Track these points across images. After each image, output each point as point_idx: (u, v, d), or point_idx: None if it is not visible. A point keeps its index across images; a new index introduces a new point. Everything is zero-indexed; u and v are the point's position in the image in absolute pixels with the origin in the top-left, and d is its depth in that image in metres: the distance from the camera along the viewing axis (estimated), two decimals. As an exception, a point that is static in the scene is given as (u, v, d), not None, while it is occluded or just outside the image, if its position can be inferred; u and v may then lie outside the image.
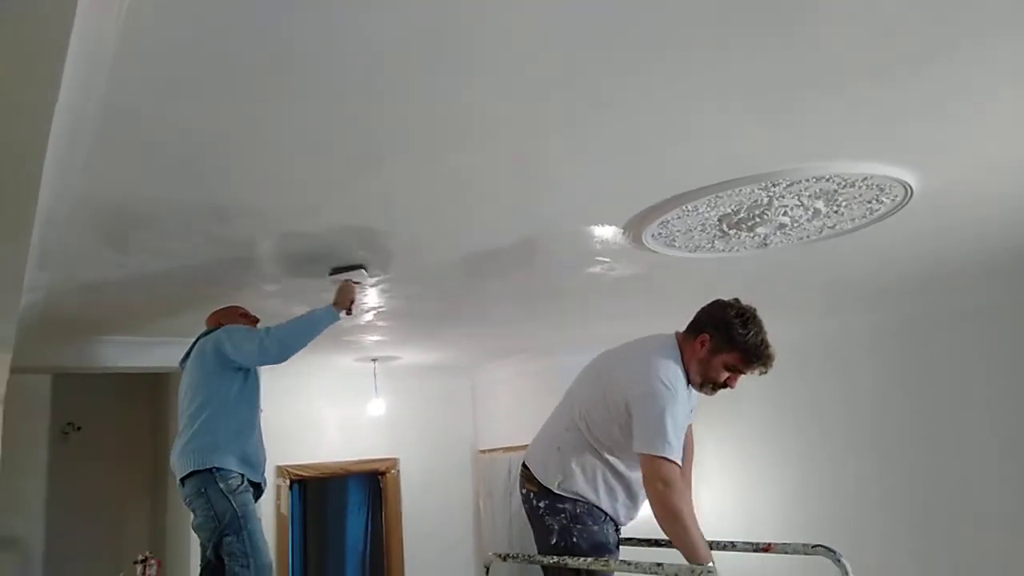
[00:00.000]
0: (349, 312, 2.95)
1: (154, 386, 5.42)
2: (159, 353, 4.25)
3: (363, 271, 2.94)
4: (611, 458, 2.48)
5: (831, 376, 5.02)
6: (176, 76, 1.57)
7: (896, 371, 4.65)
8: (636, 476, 2.42)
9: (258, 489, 2.93)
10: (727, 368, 2.38)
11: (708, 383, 2.43)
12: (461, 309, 3.99)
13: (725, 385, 2.42)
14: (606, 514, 2.43)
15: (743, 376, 2.41)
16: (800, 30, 1.58)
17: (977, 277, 3.83)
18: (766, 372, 2.40)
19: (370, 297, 3.59)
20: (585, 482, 2.42)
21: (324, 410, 5.76)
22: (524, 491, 2.52)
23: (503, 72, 1.66)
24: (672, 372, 2.35)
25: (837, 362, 4.99)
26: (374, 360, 5.41)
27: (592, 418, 2.48)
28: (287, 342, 2.85)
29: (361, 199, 2.38)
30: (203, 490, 2.71)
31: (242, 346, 2.87)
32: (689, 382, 2.43)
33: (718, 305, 2.46)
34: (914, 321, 4.52)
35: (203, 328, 3.22)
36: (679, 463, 2.27)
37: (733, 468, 5.58)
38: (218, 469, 2.72)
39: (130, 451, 5.45)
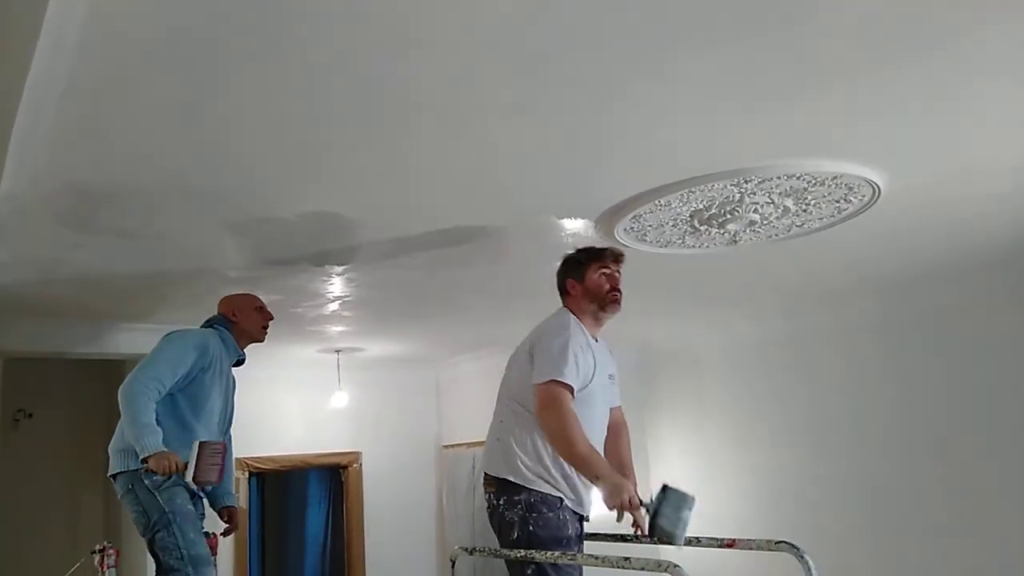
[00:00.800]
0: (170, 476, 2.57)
1: (110, 373, 5.28)
2: (116, 339, 4.15)
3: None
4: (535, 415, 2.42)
5: (796, 373, 5.08)
6: (140, 55, 1.52)
7: (862, 370, 4.73)
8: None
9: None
10: (601, 279, 2.53)
11: (603, 300, 2.53)
12: (427, 300, 3.95)
13: (614, 290, 2.54)
14: (562, 500, 2.40)
15: (619, 276, 2.58)
16: (775, 27, 1.58)
17: (944, 277, 3.89)
18: (621, 256, 2.60)
19: (335, 286, 3.54)
20: (531, 459, 2.38)
21: (285, 402, 5.68)
22: (487, 496, 2.49)
23: (474, 57, 1.63)
24: (565, 319, 2.51)
25: (802, 360, 5.06)
26: (338, 351, 5.33)
27: (517, 392, 2.48)
28: (135, 401, 2.58)
29: (327, 185, 2.33)
30: (131, 487, 2.66)
31: (146, 360, 2.72)
32: (590, 322, 2.55)
33: (560, 265, 2.66)
34: (881, 320, 4.60)
35: (162, 314, 3.14)
36: (572, 386, 2.34)
37: (696, 464, 5.62)
38: (140, 471, 2.63)
39: (84, 439, 5.29)
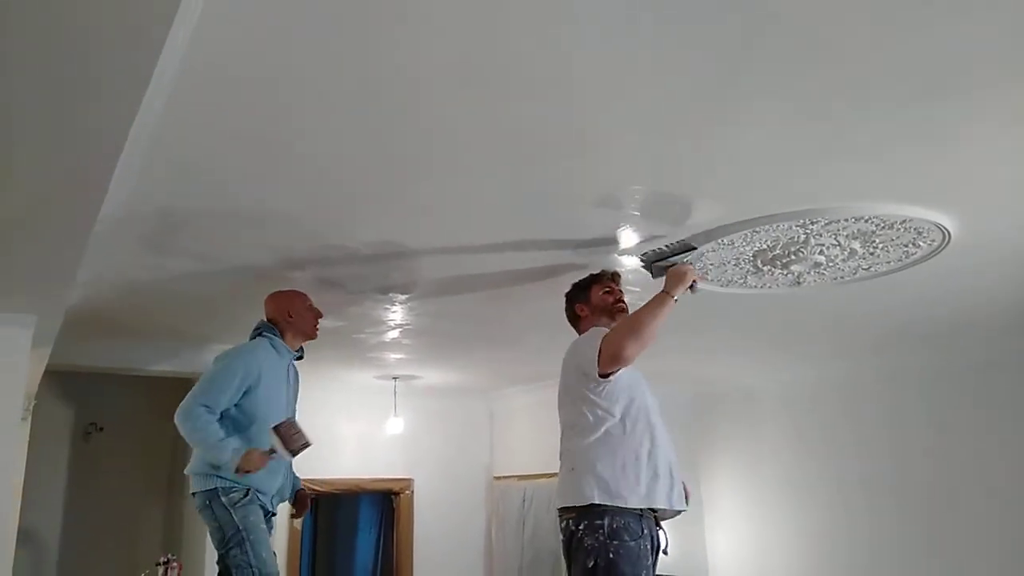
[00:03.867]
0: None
1: (178, 390, 5.45)
2: (188, 358, 4.29)
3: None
4: (601, 430, 2.40)
5: (848, 419, 4.96)
6: (232, 92, 1.62)
7: (922, 419, 4.58)
8: (635, 441, 2.38)
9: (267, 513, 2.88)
10: (605, 295, 2.66)
11: (611, 311, 2.64)
12: (484, 331, 4.00)
13: (619, 301, 2.67)
14: (641, 527, 2.34)
15: (620, 291, 2.70)
16: (842, 66, 1.59)
17: (1012, 328, 3.77)
18: (618, 275, 2.74)
19: (397, 314, 3.62)
20: (608, 474, 2.33)
21: (341, 426, 5.76)
22: (563, 525, 2.43)
23: (546, 96, 1.68)
24: (592, 331, 2.58)
25: (855, 406, 4.94)
26: (395, 378, 5.41)
27: (576, 420, 2.47)
28: (185, 426, 2.70)
29: (396, 215, 2.41)
30: (208, 503, 2.75)
31: (200, 383, 2.82)
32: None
33: (565, 303, 2.77)
34: (943, 369, 4.47)
35: (230, 333, 3.19)
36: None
37: (748, 510, 5.50)
38: (220, 487, 2.74)
39: (149, 455, 5.48)
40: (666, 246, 2.60)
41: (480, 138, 1.89)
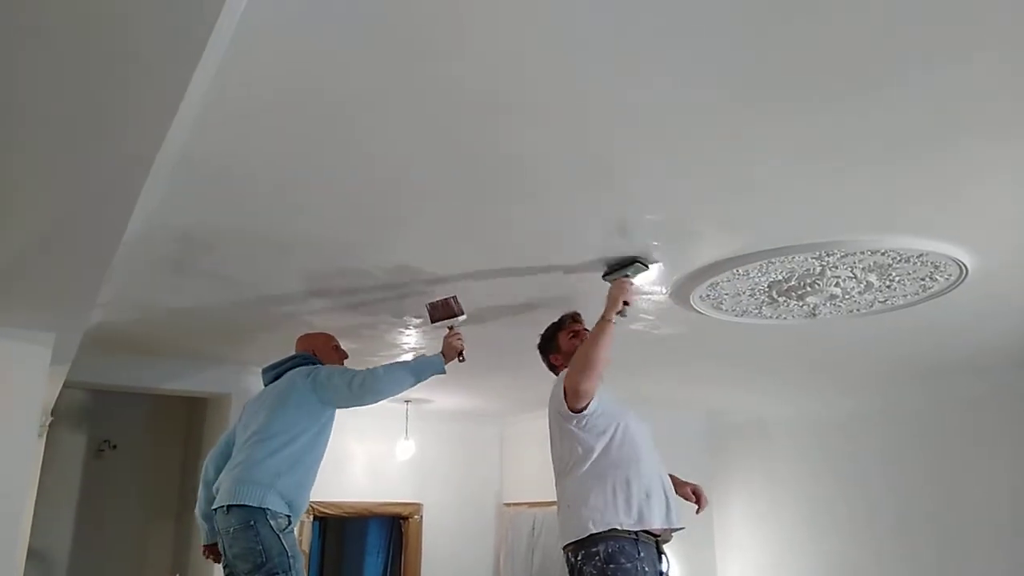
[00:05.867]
0: (461, 359, 2.85)
1: (191, 409, 5.49)
2: (204, 377, 4.31)
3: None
4: (587, 463, 2.45)
5: (862, 452, 4.93)
6: (252, 120, 1.65)
7: (934, 452, 4.54)
8: (623, 466, 2.41)
9: None
10: (572, 339, 2.69)
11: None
12: (498, 356, 4.00)
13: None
14: (637, 547, 2.35)
15: (584, 328, 2.72)
16: (862, 98, 1.61)
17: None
18: (578, 314, 2.77)
19: (412, 337, 3.63)
20: (599, 503, 2.38)
21: (352, 448, 5.75)
22: (567, 561, 2.47)
23: (565, 126, 1.71)
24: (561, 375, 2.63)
25: (869, 438, 4.91)
26: (407, 401, 5.41)
27: (567, 458, 2.52)
28: (379, 387, 2.73)
29: (413, 241, 2.43)
30: (252, 523, 2.60)
31: (339, 384, 2.76)
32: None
33: (540, 351, 2.83)
34: (956, 402, 4.43)
35: (247, 354, 3.21)
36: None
37: (761, 538, 5.44)
38: (269, 509, 2.60)
39: (160, 473, 5.49)
40: (632, 262, 2.52)
41: (499, 167, 1.91)
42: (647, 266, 2.53)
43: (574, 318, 2.77)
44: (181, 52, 1.19)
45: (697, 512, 2.67)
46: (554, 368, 2.77)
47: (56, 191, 1.72)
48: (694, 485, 2.71)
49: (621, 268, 2.56)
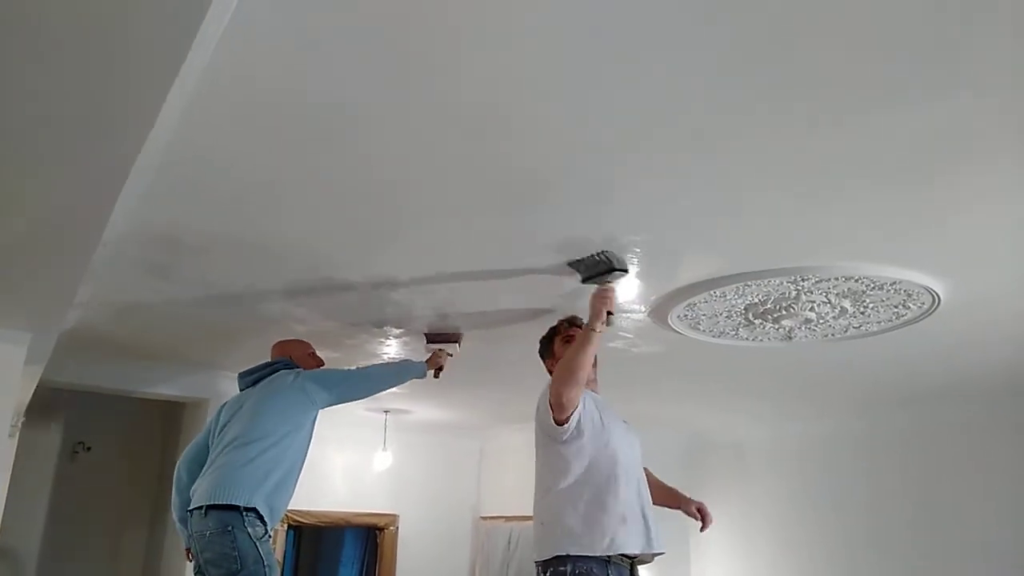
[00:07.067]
0: (436, 376, 3.15)
1: (168, 413, 5.45)
2: (182, 382, 4.29)
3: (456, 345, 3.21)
4: (565, 482, 2.43)
5: (835, 475, 4.97)
6: (239, 123, 1.66)
7: (907, 477, 4.59)
8: (600, 489, 2.39)
9: None
10: (566, 345, 2.62)
11: None
12: (478, 368, 4.00)
13: None
14: (608, 564, 2.33)
15: (573, 331, 2.68)
16: (836, 128, 1.64)
17: (999, 390, 3.79)
18: (573, 319, 2.72)
19: (392, 348, 3.63)
20: (571, 522, 2.36)
21: (330, 458, 5.72)
22: (537, 572, 2.48)
23: (545, 143, 1.73)
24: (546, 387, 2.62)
25: (842, 462, 4.97)
26: (386, 412, 5.40)
27: (545, 473, 2.52)
28: (369, 385, 2.92)
29: (401, 252, 2.44)
30: (230, 528, 2.56)
31: (329, 381, 2.87)
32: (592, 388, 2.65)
33: (540, 357, 2.82)
34: (928, 428, 4.49)
35: (226, 359, 3.20)
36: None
37: (737, 559, 5.45)
38: (249, 511, 2.57)
39: (135, 476, 5.43)
40: (597, 255, 2.41)
41: (478, 182, 1.93)
42: (626, 270, 2.46)
43: (571, 322, 2.75)
44: (163, 56, 1.19)
45: (701, 530, 2.70)
46: (552, 374, 2.72)
47: (33, 193, 1.72)
48: (699, 503, 2.71)
49: (600, 275, 2.47)
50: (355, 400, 2.92)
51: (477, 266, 2.54)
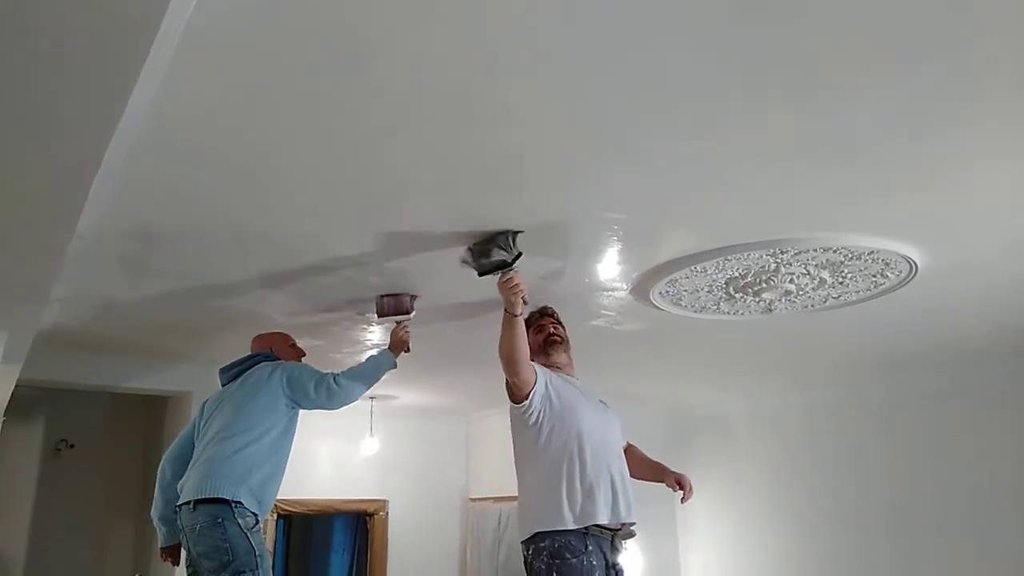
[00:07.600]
0: (407, 351, 3.00)
1: (151, 408, 5.41)
2: (164, 376, 4.26)
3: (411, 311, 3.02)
4: (534, 462, 2.52)
5: (820, 446, 5.04)
6: (210, 107, 1.64)
7: (888, 445, 4.66)
8: (565, 462, 2.45)
9: None
10: (536, 335, 2.75)
11: (544, 346, 2.75)
12: (461, 353, 4.01)
13: (551, 335, 2.77)
14: (586, 543, 2.39)
15: (551, 323, 2.79)
16: (816, 100, 1.65)
17: (976, 354, 3.85)
18: (546, 308, 2.84)
19: (375, 335, 3.62)
20: (544, 497, 2.44)
21: (316, 446, 5.72)
22: (523, 551, 2.52)
23: (519, 125, 1.72)
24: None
25: (825, 433, 5.03)
26: (372, 398, 5.39)
27: (521, 453, 2.60)
28: (350, 391, 2.85)
29: (371, 236, 2.42)
30: (220, 520, 2.55)
31: (306, 387, 2.80)
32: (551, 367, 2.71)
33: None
34: (909, 395, 4.55)
35: (208, 352, 3.17)
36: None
37: (723, 532, 5.52)
38: (239, 504, 2.58)
39: (120, 472, 5.40)
40: (481, 252, 2.42)
41: (454, 164, 1.92)
42: (520, 252, 2.39)
43: (542, 312, 2.80)
44: (123, 52, 1.17)
45: (682, 501, 2.71)
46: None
47: (1, 188, 1.69)
48: (679, 475, 2.73)
49: (495, 268, 2.44)
50: (330, 408, 2.84)
51: (454, 247, 2.52)
